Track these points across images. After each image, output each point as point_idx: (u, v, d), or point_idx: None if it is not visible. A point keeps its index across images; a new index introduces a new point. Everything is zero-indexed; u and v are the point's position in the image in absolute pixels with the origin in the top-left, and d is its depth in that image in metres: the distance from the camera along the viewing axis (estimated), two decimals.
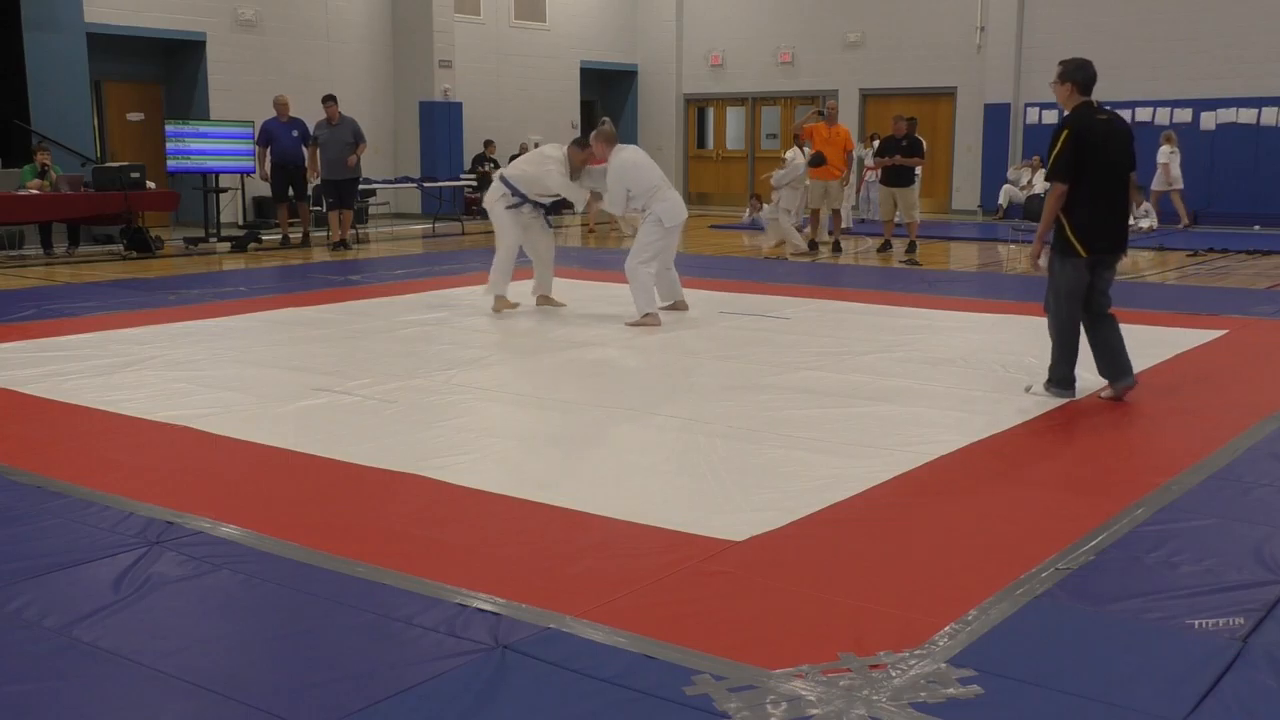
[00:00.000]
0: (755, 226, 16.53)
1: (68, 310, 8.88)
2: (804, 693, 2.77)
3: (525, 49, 21.06)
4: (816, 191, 14.10)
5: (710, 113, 23.46)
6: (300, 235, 14.59)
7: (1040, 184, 16.45)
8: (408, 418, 5.55)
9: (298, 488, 4.54)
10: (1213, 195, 17.83)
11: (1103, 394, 5.99)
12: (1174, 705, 2.71)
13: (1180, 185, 16.91)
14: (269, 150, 14.11)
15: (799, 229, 14.21)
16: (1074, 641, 3.08)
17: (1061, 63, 5.97)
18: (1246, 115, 17.54)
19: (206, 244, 14.15)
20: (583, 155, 8.57)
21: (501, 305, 8.76)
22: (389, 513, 4.19)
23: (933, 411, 5.67)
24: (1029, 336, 7.35)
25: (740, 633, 3.13)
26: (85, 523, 4.02)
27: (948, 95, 20.31)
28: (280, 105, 14.26)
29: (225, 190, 15.02)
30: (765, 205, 16.00)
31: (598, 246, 14.83)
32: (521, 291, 9.02)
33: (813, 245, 13.92)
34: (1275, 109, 17.34)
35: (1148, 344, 7.37)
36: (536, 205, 8.80)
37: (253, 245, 14.00)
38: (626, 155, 8.46)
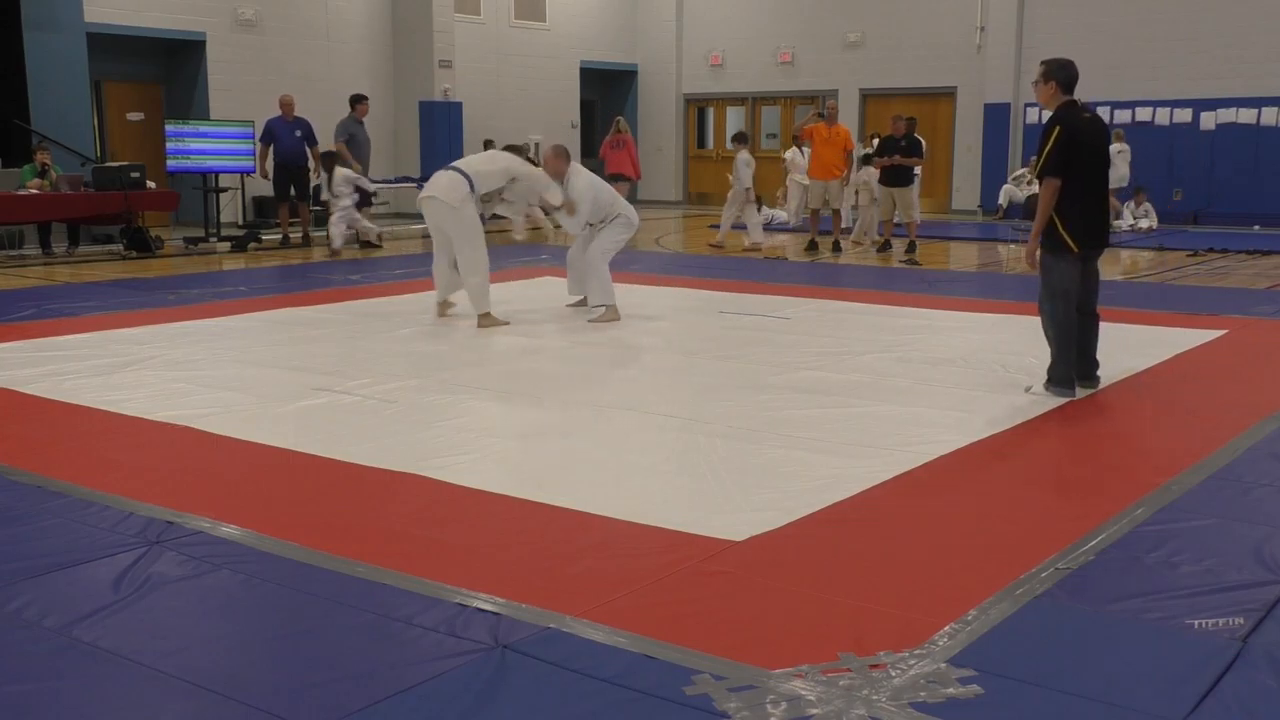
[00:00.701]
0: (771, 226, 16.46)
1: (67, 310, 8.88)
2: (804, 692, 2.77)
3: (525, 49, 21.06)
4: (816, 192, 14.13)
5: (710, 113, 23.46)
6: (300, 235, 14.59)
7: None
8: (408, 418, 5.54)
9: (298, 488, 4.55)
10: (1213, 195, 17.84)
11: (1032, 390, 6.00)
12: (1174, 705, 2.71)
13: (1125, 184, 16.82)
14: (271, 149, 14.13)
15: (799, 230, 14.21)
16: (1074, 641, 3.08)
17: (1044, 62, 6.01)
18: (1246, 115, 17.53)
19: (206, 244, 14.14)
20: (559, 165, 8.37)
21: (491, 323, 8.10)
22: (389, 513, 4.19)
23: (933, 411, 5.67)
24: (1029, 336, 7.33)
25: (740, 633, 3.13)
26: (85, 523, 4.02)
27: (948, 95, 20.31)
28: (285, 105, 14.30)
29: (225, 190, 15.02)
30: (764, 206, 16.01)
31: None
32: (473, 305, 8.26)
33: (812, 245, 13.95)
34: (1275, 109, 17.33)
35: (1147, 344, 7.38)
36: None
37: (253, 245, 14.00)
38: (586, 174, 8.51)
